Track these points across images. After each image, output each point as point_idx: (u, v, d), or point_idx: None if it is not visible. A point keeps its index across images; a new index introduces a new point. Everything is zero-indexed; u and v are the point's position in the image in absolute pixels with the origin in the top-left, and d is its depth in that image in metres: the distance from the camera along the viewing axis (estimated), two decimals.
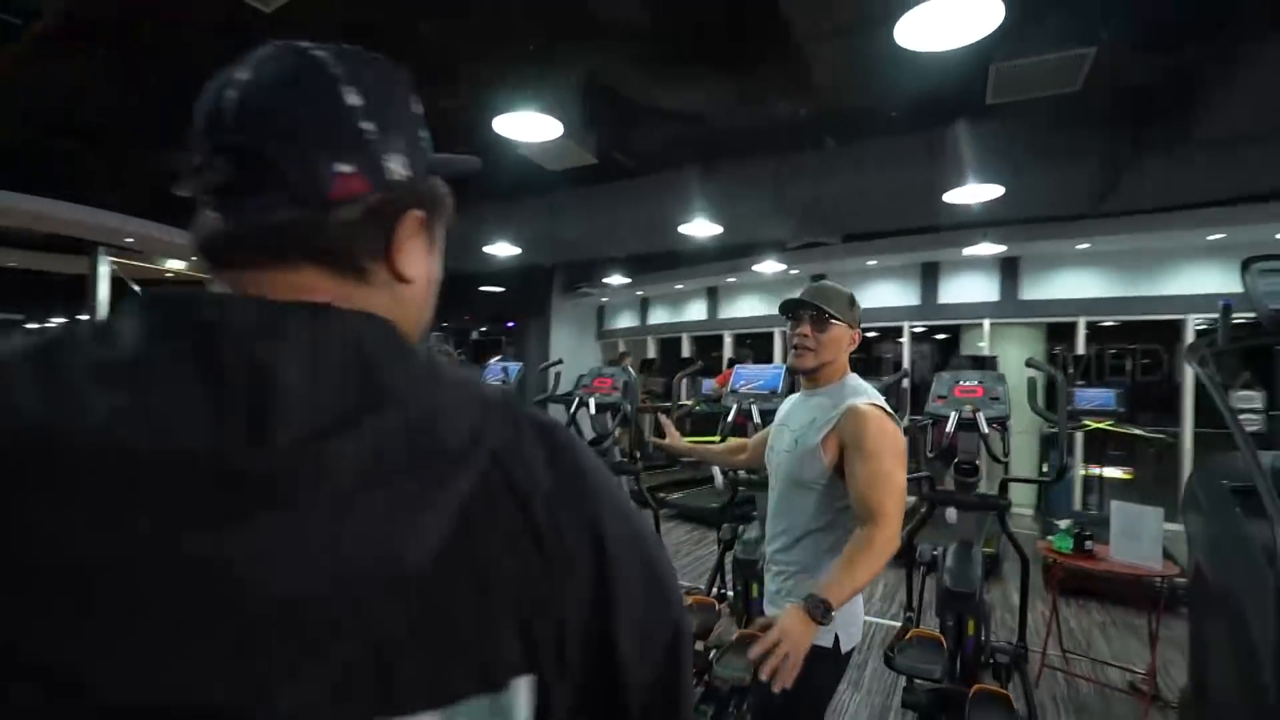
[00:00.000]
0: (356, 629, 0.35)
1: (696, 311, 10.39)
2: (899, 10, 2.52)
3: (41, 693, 0.31)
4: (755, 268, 7.58)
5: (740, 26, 3.62)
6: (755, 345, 9.85)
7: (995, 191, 4.29)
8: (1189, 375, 6.30)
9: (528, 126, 3.59)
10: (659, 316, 11.06)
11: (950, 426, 3.09)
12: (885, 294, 8.32)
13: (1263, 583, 2.34)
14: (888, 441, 1.48)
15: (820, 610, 1.27)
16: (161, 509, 0.33)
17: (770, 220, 5.26)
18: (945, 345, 8.76)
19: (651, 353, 11.04)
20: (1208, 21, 3.19)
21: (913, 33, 2.53)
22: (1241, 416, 3.12)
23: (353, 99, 0.44)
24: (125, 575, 0.33)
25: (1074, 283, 7.06)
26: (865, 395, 1.55)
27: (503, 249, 6.42)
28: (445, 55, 3.60)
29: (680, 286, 10.13)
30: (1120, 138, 4.02)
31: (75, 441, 0.34)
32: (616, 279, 8.73)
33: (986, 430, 3.02)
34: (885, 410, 1.53)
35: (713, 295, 10.14)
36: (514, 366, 4.70)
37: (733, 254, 7.13)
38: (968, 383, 3.31)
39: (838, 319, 1.58)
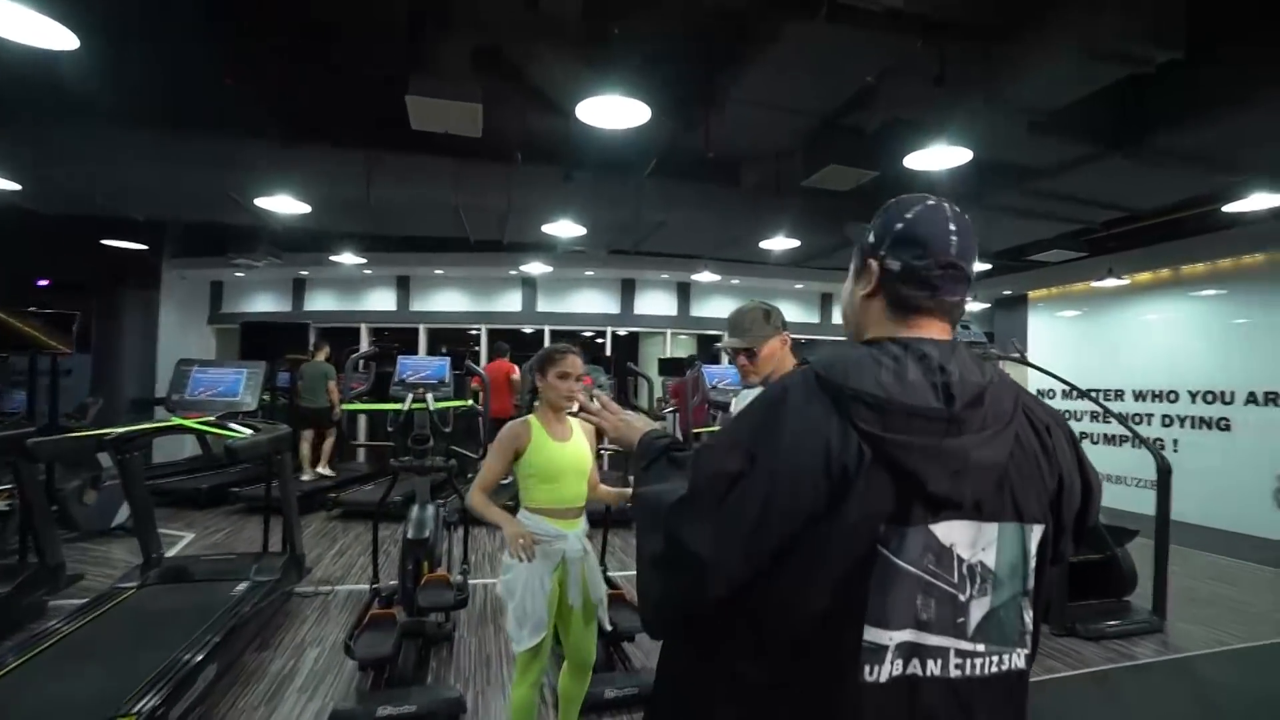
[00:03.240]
0: (997, 475, 0.79)
1: (382, 301, 9.31)
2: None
3: (913, 486, 0.75)
4: (523, 267, 7.63)
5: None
6: (451, 339, 9.59)
7: (795, 243, 6.05)
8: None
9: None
10: (323, 302, 9.35)
11: None
12: (593, 301, 9.50)
13: None
14: None
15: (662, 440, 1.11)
16: (934, 429, 0.76)
17: (630, 230, 5.77)
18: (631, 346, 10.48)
19: (312, 342, 9.23)
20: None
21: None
22: None
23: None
24: (934, 449, 0.75)
25: (721, 306, 9.77)
26: None
27: (284, 203, 4.75)
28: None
29: (369, 272, 8.91)
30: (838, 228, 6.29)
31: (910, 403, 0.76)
32: (348, 256, 7.21)
33: None
34: None
35: (404, 285, 9.30)
36: None
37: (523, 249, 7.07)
38: None
39: (761, 340, 1.87)
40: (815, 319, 10.14)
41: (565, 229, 5.50)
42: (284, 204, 4.81)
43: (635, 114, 3.35)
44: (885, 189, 5.14)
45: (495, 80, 4.04)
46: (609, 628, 2.32)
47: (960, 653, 0.79)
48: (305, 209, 4.94)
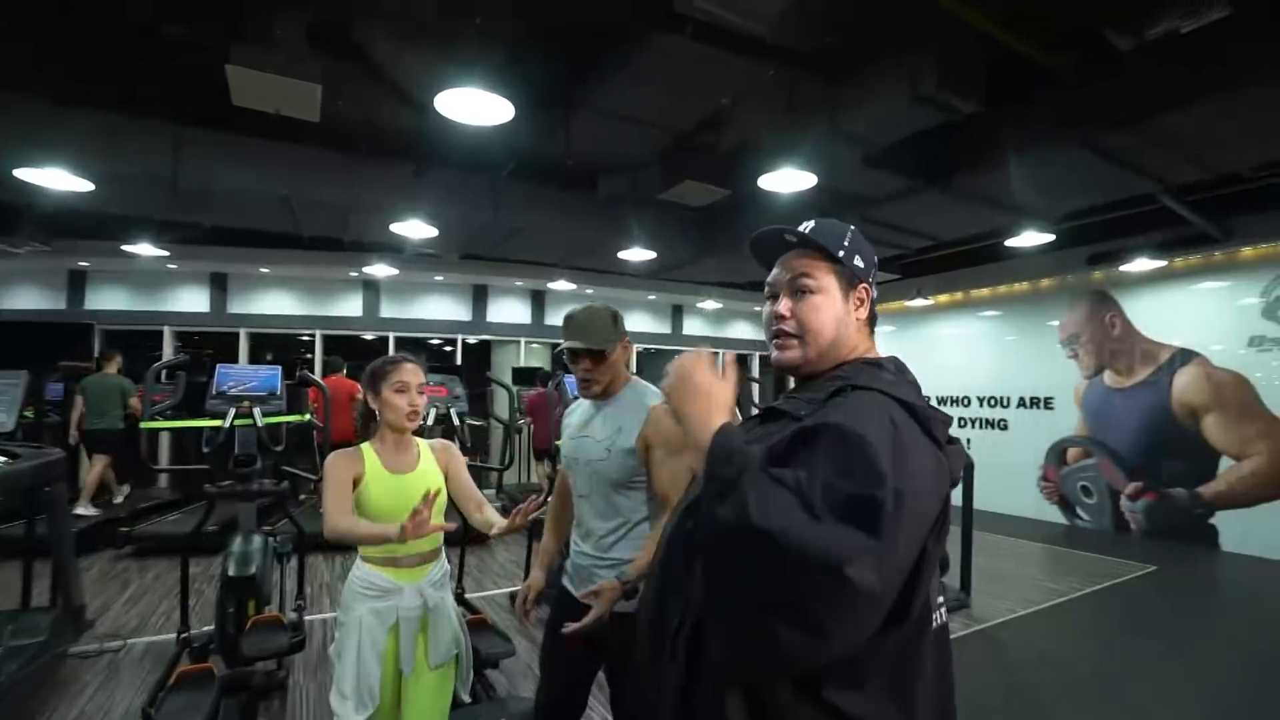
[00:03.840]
0: None
1: (192, 301, 8.06)
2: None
3: (951, 483, 0.87)
4: (366, 269, 7.00)
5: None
6: (276, 345, 8.58)
7: (651, 254, 6.16)
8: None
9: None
10: (111, 300, 7.88)
11: None
12: (442, 308, 8.98)
13: None
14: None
15: (634, 591, 1.49)
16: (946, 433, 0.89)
17: (486, 234, 5.50)
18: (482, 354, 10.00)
19: (98, 348, 7.74)
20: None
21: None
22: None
23: None
24: (955, 451, 0.89)
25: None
26: (658, 397, 1.69)
27: (55, 178, 3.87)
28: None
29: (174, 267, 7.67)
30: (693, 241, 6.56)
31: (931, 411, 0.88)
32: (146, 247, 6.08)
33: None
34: None
35: (220, 283, 8.14)
36: None
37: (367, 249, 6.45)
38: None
39: (614, 344, 1.74)
40: (667, 329, 10.48)
41: (415, 229, 5.14)
42: (56, 178, 3.95)
43: (498, 111, 3.20)
44: (739, 207, 5.47)
45: (339, 60, 3.67)
46: (467, 699, 2.00)
47: (939, 604, 0.93)
48: (87, 186, 4.11)
